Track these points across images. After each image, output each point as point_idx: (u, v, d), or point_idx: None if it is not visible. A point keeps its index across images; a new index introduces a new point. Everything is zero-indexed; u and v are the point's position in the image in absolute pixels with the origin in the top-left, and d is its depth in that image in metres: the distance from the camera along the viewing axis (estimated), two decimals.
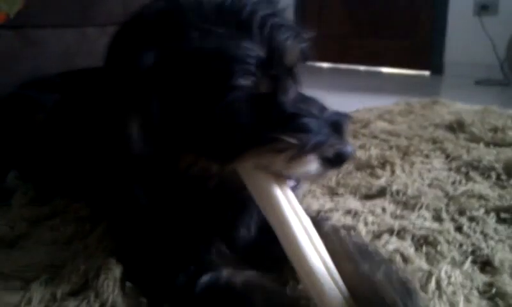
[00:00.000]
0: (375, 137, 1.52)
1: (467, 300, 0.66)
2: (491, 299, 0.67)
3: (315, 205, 0.98)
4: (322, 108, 0.61)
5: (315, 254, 0.55)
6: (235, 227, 0.69)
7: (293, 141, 0.56)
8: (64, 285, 0.68)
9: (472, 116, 1.70)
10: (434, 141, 1.43)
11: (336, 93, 2.72)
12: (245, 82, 0.55)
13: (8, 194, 1.01)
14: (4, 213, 0.94)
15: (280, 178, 0.60)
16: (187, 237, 0.65)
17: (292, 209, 0.58)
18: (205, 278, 0.60)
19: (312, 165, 0.57)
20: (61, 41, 1.85)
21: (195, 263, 0.63)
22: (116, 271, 0.69)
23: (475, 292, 0.68)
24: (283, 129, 0.57)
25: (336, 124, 0.59)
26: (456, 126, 1.58)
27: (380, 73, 3.86)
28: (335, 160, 0.58)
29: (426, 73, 3.63)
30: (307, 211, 0.62)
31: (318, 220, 0.68)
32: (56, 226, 0.88)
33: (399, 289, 0.55)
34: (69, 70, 1.19)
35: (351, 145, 0.59)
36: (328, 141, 0.57)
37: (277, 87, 0.58)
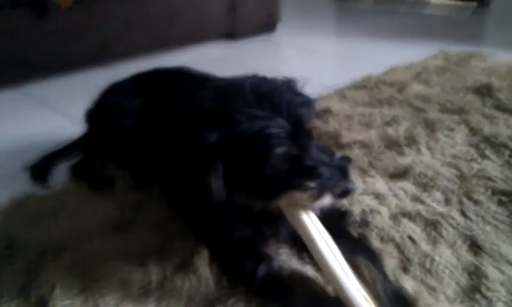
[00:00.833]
0: (409, 104, 1.72)
1: (451, 277, 0.89)
2: (470, 275, 0.89)
3: None
4: (332, 155, 0.88)
5: (338, 265, 0.81)
6: (278, 232, 0.98)
7: (313, 185, 0.83)
8: (169, 263, 0.98)
9: (503, 77, 1.85)
10: (461, 111, 1.61)
11: (376, 38, 2.82)
12: (280, 149, 0.81)
13: (110, 181, 1.32)
14: (112, 197, 1.26)
15: (306, 209, 0.87)
16: (248, 238, 0.94)
17: (317, 230, 0.85)
18: (262, 268, 0.89)
19: (327, 199, 0.85)
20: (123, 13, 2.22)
21: (255, 254, 0.92)
22: (205, 253, 0.98)
23: (459, 270, 0.91)
24: (306, 177, 0.83)
25: (343, 168, 0.86)
26: (485, 91, 1.74)
27: (427, 4, 3.85)
28: (342, 195, 0.86)
29: (473, 4, 3.60)
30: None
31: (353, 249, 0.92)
32: (153, 210, 1.18)
33: None
34: (139, 72, 1.45)
35: (353, 183, 0.86)
36: (337, 184, 0.84)
37: (301, 149, 0.84)
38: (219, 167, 0.83)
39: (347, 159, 0.90)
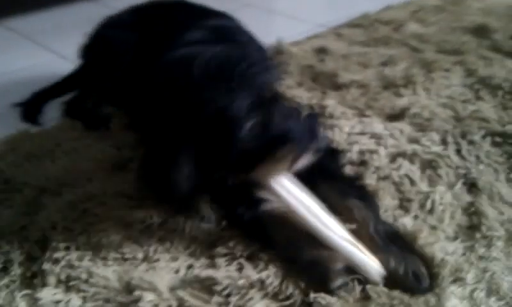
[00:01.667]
0: (405, 44, 1.70)
1: (452, 217, 0.93)
2: (469, 215, 0.93)
3: (346, 127, 1.23)
4: (299, 115, 0.88)
5: (320, 225, 0.82)
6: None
7: (285, 151, 0.83)
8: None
9: (500, 17, 1.83)
10: (457, 52, 1.60)
11: None
12: (247, 125, 0.82)
13: (106, 120, 1.30)
14: (109, 135, 1.24)
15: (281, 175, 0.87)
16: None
17: (292, 196, 0.86)
18: (248, 212, 0.90)
19: (301, 162, 0.84)
20: None
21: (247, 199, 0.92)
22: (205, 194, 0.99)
23: (460, 210, 0.94)
24: (277, 145, 0.83)
25: (312, 127, 0.87)
26: (481, 32, 1.73)
27: None
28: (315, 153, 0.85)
29: None
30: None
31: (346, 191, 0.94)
32: None
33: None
34: (137, 5, 1.39)
35: (323, 139, 0.90)
36: (308, 144, 0.84)
37: (268, 117, 0.84)
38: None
39: (315, 116, 0.91)
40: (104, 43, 1.31)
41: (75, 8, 2.33)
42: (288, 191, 0.86)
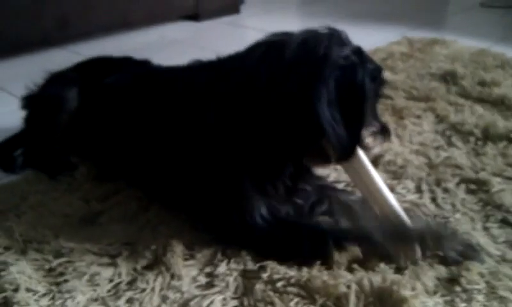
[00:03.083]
0: None
1: (431, 267, 0.91)
2: (449, 267, 0.89)
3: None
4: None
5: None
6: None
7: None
8: (141, 260, 0.94)
9: (466, 64, 1.88)
10: (427, 99, 1.63)
11: (340, 22, 2.80)
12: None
13: (67, 166, 1.27)
14: (77, 187, 1.20)
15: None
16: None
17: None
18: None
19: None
20: None
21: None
22: (179, 249, 0.95)
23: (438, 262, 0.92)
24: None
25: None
26: (449, 78, 1.77)
27: None
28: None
29: None
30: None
31: None
32: (121, 202, 1.14)
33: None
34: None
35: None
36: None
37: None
38: None
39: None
40: (41, 100, 1.31)
41: (45, 55, 2.31)
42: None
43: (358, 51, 0.92)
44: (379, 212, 0.95)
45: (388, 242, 0.90)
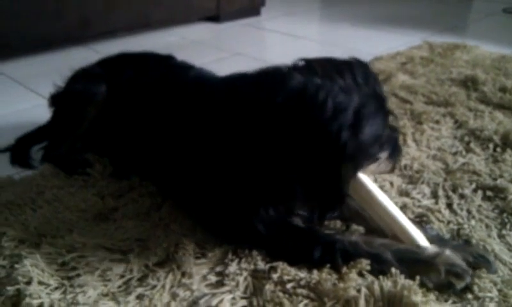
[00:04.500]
0: (394, 94, 1.71)
1: None
2: None
3: None
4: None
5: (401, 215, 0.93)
6: None
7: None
8: (152, 257, 0.95)
9: (487, 70, 1.85)
10: (446, 103, 1.60)
11: (360, 26, 2.80)
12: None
13: (83, 165, 1.28)
14: (92, 183, 1.22)
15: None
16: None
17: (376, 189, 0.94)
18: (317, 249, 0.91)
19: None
20: None
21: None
22: (190, 247, 0.96)
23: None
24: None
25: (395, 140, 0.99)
26: (470, 84, 1.74)
27: None
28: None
29: None
30: None
31: None
32: (135, 199, 1.15)
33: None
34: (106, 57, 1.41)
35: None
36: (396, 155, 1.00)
37: None
38: None
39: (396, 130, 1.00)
40: (68, 96, 1.32)
41: (67, 53, 2.36)
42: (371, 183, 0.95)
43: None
44: (390, 234, 0.92)
45: (400, 266, 0.86)
